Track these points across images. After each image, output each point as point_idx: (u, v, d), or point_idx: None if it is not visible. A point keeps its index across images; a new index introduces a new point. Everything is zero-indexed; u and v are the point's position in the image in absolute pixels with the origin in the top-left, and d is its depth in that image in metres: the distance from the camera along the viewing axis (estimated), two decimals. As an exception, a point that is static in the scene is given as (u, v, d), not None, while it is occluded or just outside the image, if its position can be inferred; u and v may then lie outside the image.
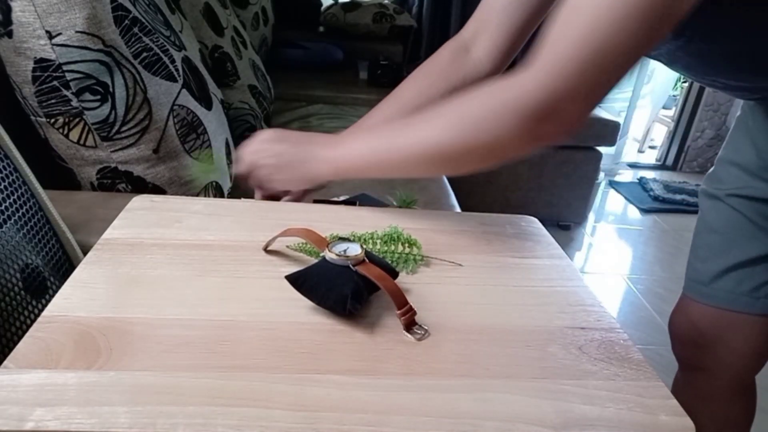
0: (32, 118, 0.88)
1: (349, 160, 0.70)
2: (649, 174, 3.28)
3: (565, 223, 2.50)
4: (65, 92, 0.84)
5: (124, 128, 0.90)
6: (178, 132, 0.98)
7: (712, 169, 0.92)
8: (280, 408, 0.43)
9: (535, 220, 0.80)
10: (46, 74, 0.82)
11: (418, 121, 0.65)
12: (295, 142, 0.73)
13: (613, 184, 3.10)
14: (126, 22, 0.89)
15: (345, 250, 0.57)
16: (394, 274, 0.59)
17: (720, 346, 0.88)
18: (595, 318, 0.59)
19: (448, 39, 0.86)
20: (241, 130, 1.53)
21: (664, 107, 3.93)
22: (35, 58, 0.81)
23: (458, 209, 1.41)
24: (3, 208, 0.64)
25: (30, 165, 0.72)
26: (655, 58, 0.78)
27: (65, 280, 0.55)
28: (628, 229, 2.62)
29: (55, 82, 0.83)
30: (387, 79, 2.34)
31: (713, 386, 0.93)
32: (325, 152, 0.71)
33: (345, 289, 0.53)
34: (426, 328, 0.54)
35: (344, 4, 2.79)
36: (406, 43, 2.94)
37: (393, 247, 0.67)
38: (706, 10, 0.55)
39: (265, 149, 0.75)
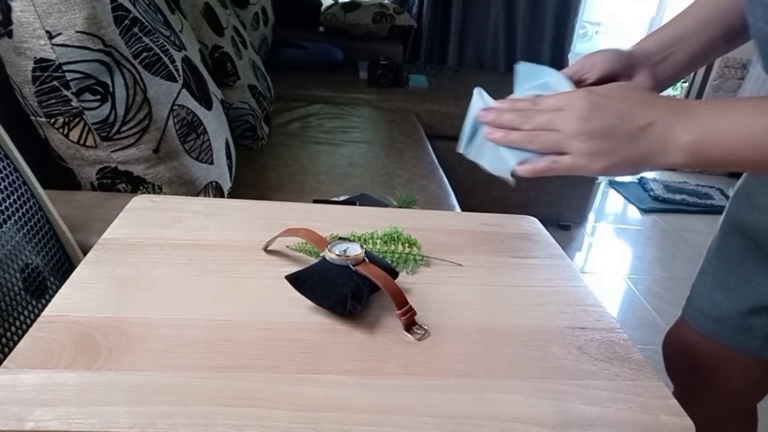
0: (32, 118, 0.88)
1: (719, 145, 0.51)
2: (649, 174, 3.28)
3: (565, 223, 2.49)
4: (65, 92, 0.84)
5: (124, 128, 0.90)
6: (178, 132, 0.98)
7: (737, 188, 0.79)
8: (280, 408, 0.43)
9: (535, 220, 0.80)
10: (46, 74, 0.82)
11: None
12: (625, 119, 0.52)
13: (613, 184, 3.09)
14: (126, 22, 0.89)
15: (345, 250, 0.57)
16: (394, 274, 0.59)
17: (717, 379, 0.82)
18: (595, 318, 0.59)
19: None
20: (241, 130, 1.53)
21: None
22: (35, 58, 0.81)
23: (458, 209, 1.41)
24: (3, 208, 0.64)
25: (30, 165, 0.72)
26: None
27: (65, 280, 0.55)
28: (628, 229, 2.62)
29: (55, 82, 0.83)
30: (387, 79, 2.34)
31: (708, 411, 0.87)
32: (680, 135, 0.51)
33: (345, 289, 0.53)
34: (426, 328, 0.54)
35: (344, 4, 2.79)
36: (406, 43, 2.94)
37: (393, 247, 0.67)
38: None
39: (581, 126, 0.53)
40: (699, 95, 3.26)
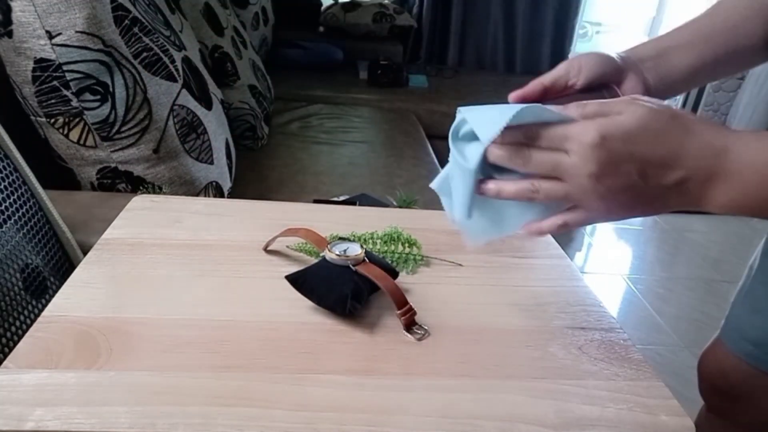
0: (32, 118, 0.88)
1: (750, 202, 0.44)
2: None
3: (565, 223, 2.50)
4: (65, 92, 0.84)
5: (124, 128, 0.90)
6: (178, 132, 0.98)
7: None
8: (280, 408, 0.43)
9: (535, 220, 0.80)
10: (46, 74, 0.82)
11: None
12: (649, 175, 0.44)
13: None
14: (126, 22, 0.89)
15: (345, 250, 0.57)
16: (394, 274, 0.59)
17: (751, 404, 0.80)
18: (595, 318, 0.59)
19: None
20: (241, 130, 1.53)
21: (664, 107, 3.92)
22: (35, 58, 0.81)
23: (458, 209, 1.41)
24: (3, 208, 0.64)
25: (30, 165, 0.72)
26: None
27: (65, 280, 0.55)
28: (628, 229, 2.62)
29: (55, 82, 0.83)
30: (387, 79, 2.34)
31: None
32: (717, 197, 0.44)
33: (345, 289, 0.53)
34: (426, 328, 0.54)
35: (344, 4, 2.79)
36: (406, 43, 2.94)
37: (393, 247, 0.67)
38: None
39: (594, 185, 0.44)
40: (698, 95, 3.26)
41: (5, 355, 0.45)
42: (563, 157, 0.44)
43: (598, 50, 0.62)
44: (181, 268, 0.59)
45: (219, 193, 1.11)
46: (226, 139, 1.20)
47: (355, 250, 0.57)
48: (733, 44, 0.65)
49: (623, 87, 0.59)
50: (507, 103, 0.50)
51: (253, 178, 1.41)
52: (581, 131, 0.43)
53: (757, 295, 0.76)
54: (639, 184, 0.44)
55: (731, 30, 0.64)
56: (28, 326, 0.50)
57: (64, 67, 0.82)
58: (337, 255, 0.56)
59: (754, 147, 0.43)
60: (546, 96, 0.55)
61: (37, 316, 0.52)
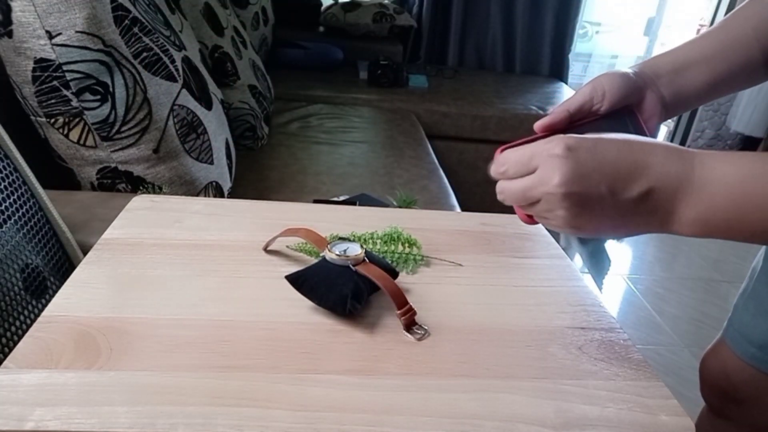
0: (32, 118, 0.88)
1: (733, 222, 0.43)
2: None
3: (565, 223, 2.49)
4: (65, 92, 0.84)
5: (124, 128, 0.90)
6: (178, 132, 0.98)
7: None
8: (280, 408, 0.43)
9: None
10: (46, 74, 0.82)
11: None
12: (617, 188, 0.44)
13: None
14: (126, 22, 0.89)
15: (345, 250, 0.57)
16: (394, 274, 0.59)
17: (755, 406, 0.80)
18: (595, 318, 0.59)
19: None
20: (241, 130, 1.53)
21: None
22: (35, 58, 0.81)
23: (458, 209, 1.41)
24: (3, 208, 0.64)
25: (30, 165, 0.72)
26: None
27: (65, 280, 0.55)
28: (628, 229, 2.63)
29: (55, 82, 0.83)
30: (387, 79, 2.34)
31: None
32: (684, 211, 0.44)
33: (345, 289, 0.53)
34: (426, 328, 0.54)
35: (344, 4, 2.79)
36: (406, 43, 2.94)
37: (393, 247, 0.67)
38: None
39: (561, 192, 0.44)
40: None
41: (5, 355, 0.45)
42: (529, 178, 0.46)
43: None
44: (181, 268, 0.59)
45: (219, 193, 1.11)
46: (226, 139, 1.20)
47: (355, 250, 0.57)
48: (748, 59, 0.64)
49: (643, 105, 0.60)
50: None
51: (253, 178, 1.41)
52: (547, 145, 0.45)
53: (761, 298, 0.76)
54: (607, 198, 0.44)
55: (746, 44, 0.64)
56: (28, 326, 0.50)
57: (64, 67, 0.82)
58: (337, 255, 0.56)
59: (722, 161, 0.44)
60: (571, 122, 0.56)
61: (37, 316, 0.52)
